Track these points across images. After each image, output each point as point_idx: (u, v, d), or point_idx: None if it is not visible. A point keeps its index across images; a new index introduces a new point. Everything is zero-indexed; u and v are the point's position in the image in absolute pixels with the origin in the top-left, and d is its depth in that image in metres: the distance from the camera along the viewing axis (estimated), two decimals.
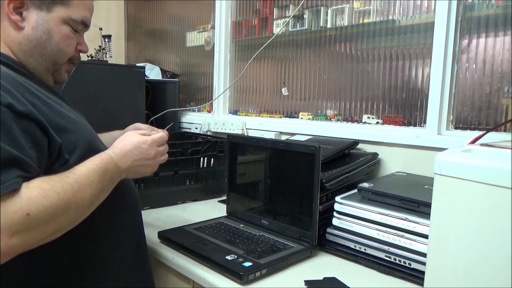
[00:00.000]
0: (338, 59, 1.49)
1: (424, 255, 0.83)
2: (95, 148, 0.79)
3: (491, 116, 1.13)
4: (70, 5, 0.80)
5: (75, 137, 0.75)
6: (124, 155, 0.79)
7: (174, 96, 2.03)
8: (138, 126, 1.03)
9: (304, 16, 1.58)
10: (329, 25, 1.51)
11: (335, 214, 1.01)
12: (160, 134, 0.87)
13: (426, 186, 0.99)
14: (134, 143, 0.82)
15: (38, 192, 0.62)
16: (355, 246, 0.96)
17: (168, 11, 2.38)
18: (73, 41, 0.83)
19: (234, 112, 1.91)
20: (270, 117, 1.74)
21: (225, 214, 1.24)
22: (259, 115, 1.79)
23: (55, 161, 0.71)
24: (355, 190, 1.03)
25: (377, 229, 0.93)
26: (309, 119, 1.58)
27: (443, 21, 1.16)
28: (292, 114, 1.66)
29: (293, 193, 1.06)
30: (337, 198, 1.01)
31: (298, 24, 1.61)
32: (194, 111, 2.16)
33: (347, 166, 1.14)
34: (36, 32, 0.77)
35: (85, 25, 0.84)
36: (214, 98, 1.93)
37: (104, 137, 0.93)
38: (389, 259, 0.90)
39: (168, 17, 2.38)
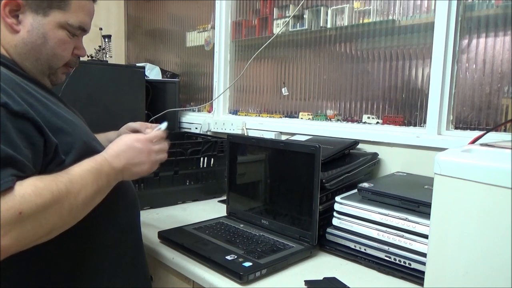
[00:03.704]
0: (338, 59, 1.49)
1: (424, 255, 0.83)
2: (91, 150, 0.78)
3: (491, 116, 1.13)
4: (67, 10, 0.79)
5: (71, 138, 0.75)
6: (117, 155, 0.79)
7: (174, 96, 2.03)
8: (131, 126, 1.02)
9: (304, 16, 1.58)
10: (329, 25, 1.51)
11: (335, 214, 1.01)
12: (154, 133, 0.87)
13: (426, 186, 0.99)
14: (128, 143, 0.81)
15: (31, 190, 0.61)
16: (355, 246, 0.96)
17: (168, 11, 2.38)
18: (69, 46, 0.82)
19: (234, 112, 1.91)
20: (270, 117, 1.74)
21: (225, 214, 1.24)
22: (259, 115, 1.79)
23: (50, 161, 0.71)
24: (355, 190, 1.03)
25: (377, 229, 0.93)
26: (309, 119, 1.58)
27: (443, 21, 1.16)
28: (292, 114, 1.66)
29: (293, 193, 1.06)
30: (337, 198, 1.01)
31: (298, 24, 1.61)
32: (194, 111, 2.16)
33: (347, 166, 1.14)
34: (31, 36, 0.77)
35: (83, 30, 0.83)
36: (214, 98, 1.93)
37: (99, 138, 0.92)
38: (389, 259, 0.90)
39: (168, 17, 2.38)
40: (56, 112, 0.74)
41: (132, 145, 0.81)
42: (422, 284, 0.79)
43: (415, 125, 1.28)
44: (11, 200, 0.59)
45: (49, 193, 0.63)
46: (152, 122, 1.77)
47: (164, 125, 0.94)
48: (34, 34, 0.77)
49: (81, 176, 0.70)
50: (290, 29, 1.64)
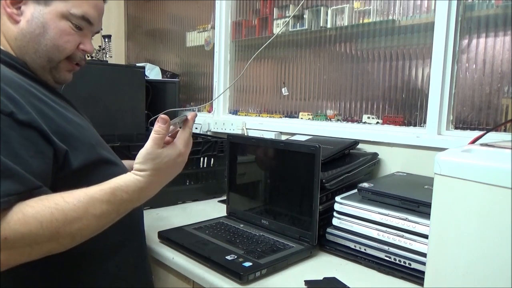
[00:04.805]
0: (338, 59, 1.49)
1: (424, 255, 0.83)
2: (99, 153, 0.78)
3: (491, 116, 1.13)
4: None
5: (79, 142, 0.74)
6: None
7: (174, 96, 2.03)
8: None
9: (304, 16, 1.58)
10: (329, 25, 1.51)
11: (335, 214, 1.01)
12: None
13: (426, 186, 0.99)
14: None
15: (17, 218, 0.59)
16: (355, 246, 0.96)
17: (168, 11, 2.38)
18: (73, 38, 0.79)
19: (234, 112, 1.91)
20: (270, 117, 1.74)
21: (225, 214, 1.24)
22: (259, 115, 1.79)
23: (61, 167, 0.71)
24: (355, 190, 1.03)
25: (377, 229, 0.93)
26: (309, 119, 1.58)
27: (443, 21, 1.16)
28: (292, 114, 1.66)
29: (293, 193, 1.06)
30: (337, 198, 1.01)
31: (298, 24, 1.61)
32: (194, 111, 2.16)
33: (347, 166, 1.14)
34: (30, 26, 0.75)
35: (88, 21, 0.80)
36: (214, 98, 1.93)
37: None
38: (389, 259, 0.90)
39: (168, 17, 2.38)
40: (65, 116, 0.74)
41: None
42: (422, 284, 0.79)
43: (415, 125, 1.28)
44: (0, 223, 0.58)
45: (37, 223, 0.60)
46: (152, 122, 1.77)
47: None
48: (33, 23, 0.75)
49: (90, 203, 0.66)
50: (290, 29, 1.64)
